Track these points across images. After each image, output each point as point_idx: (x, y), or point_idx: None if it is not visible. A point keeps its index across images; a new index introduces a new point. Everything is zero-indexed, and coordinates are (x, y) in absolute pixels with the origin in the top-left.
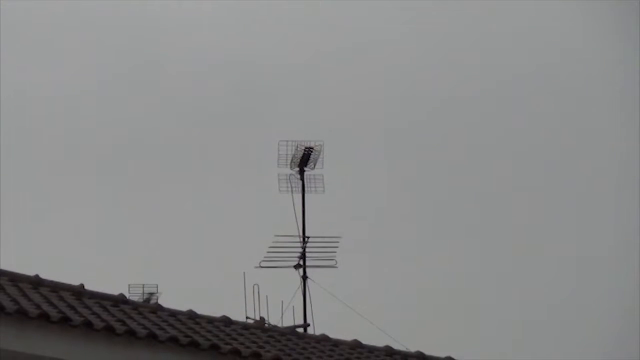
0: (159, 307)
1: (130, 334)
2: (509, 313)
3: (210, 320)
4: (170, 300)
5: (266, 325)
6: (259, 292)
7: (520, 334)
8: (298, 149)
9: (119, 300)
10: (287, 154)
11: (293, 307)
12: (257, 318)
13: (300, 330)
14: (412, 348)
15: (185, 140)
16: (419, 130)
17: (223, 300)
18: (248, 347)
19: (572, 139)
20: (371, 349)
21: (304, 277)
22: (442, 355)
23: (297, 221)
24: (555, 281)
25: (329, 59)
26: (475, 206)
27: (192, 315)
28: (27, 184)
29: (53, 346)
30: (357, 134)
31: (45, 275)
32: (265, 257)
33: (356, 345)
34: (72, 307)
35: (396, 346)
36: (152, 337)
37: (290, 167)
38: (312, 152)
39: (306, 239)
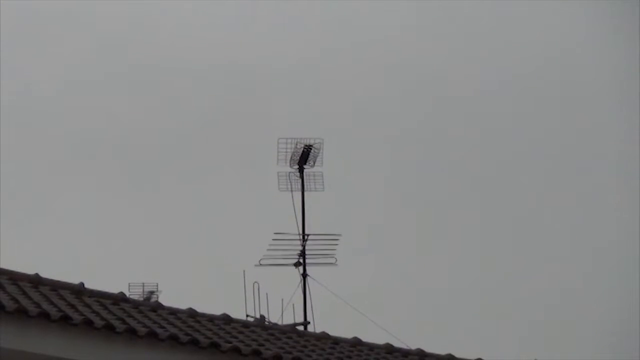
0: (159, 306)
1: (131, 332)
2: (509, 312)
3: (211, 318)
4: (170, 298)
5: (266, 323)
6: (259, 290)
7: (521, 333)
8: (297, 146)
9: (119, 299)
10: (286, 152)
11: (293, 305)
12: (257, 316)
13: (301, 328)
14: (413, 346)
15: (185, 138)
16: (419, 127)
17: (223, 298)
18: (248, 345)
19: (572, 139)
20: (371, 347)
21: (304, 275)
22: (443, 353)
23: (296, 219)
24: (556, 281)
25: (328, 56)
26: (475, 204)
27: (192, 313)
28: (26, 182)
29: (53, 345)
30: (357, 132)
31: (45, 273)
32: (265, 255)
33: (356, 342)
34: (72, 306)
35: (396, 344)
36: (152, 336)
37: (290, 164)
38: (311, 149)
39: (306, 236)
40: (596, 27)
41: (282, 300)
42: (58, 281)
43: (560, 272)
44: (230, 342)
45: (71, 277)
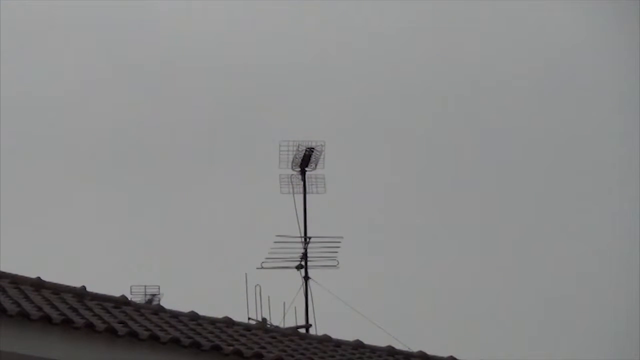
0: (161, 309)
1: (132, 335)
2: (510, 313)
3: (212, 321)
4: (172, 301)
5: (268, 326)
6: (260, 293)
7: (521, 334)
8: (299, 149)
9: (121, 302)
10: (288, 155)
11: (295, 307)
12: (259, 319)
13: (302, 330)
14: (415, 348)
15: (186, 141)
16: (421, 129)
17: (225, 301)
18: (250, 348)
19: (573, 139)
20: (373, 349)
21: (306, 278)
22: (445, 355)
23: (298, 222)
24: (556, 281)
25: (329, 58)
26: (476, 205)
27: (194, 316)
28: (27, 185)
29: (55, 348)
30: (358, 134)
31: (47, 277)
32: (267, 257)
33: (358, 345)
34: (73, 309)
35: (398, 346)
36: (154, 339)
37: (292, 167)
38: (313, 152)
39: (308, 239)
40: (596, 27)
41: (284, 303)
42: (60, 284)
43: (560, 272)
44: (232, 345)
45: (73, 281)
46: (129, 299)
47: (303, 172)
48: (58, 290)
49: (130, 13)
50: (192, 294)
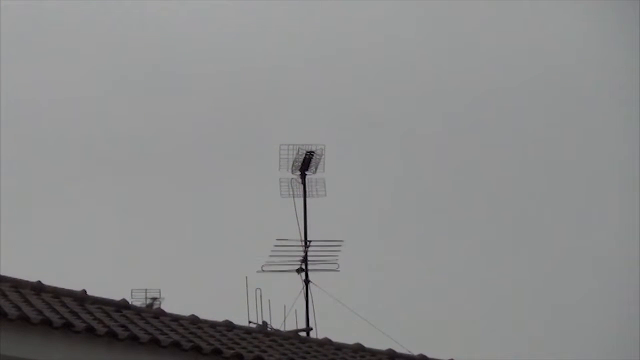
0: (162, 312)
1: (133, 339)
2: (511, 315)
3: (213, 324)
4: (172, 305)
5: (269, 329)
6: (261, 297)
7: (522, 336)
8: (299, 152)
9: (122, 306)
10: (288, 158)
11: (295, 311)
12: (260, 322)
13: (303, 334)
14: (415, 351)
15: (186, 144)
16: (422, 132)
17: (225, 304)
18: (251, 352)
19: (573, 140)
20: (374, 353)
21: (306, 281)
22: (445, 358)
23: (298, 225)
24: (557, 281)
25: (330, 60)
26: (477, 207)
27: (194, 320)
28: (28, 189)
29: (55, 352)
30: (359, 137)
31: (48, 281)
32: (267, 261)
33: (359, 348)
34: (74, 313)
35: (399, 349)
36: (154, 343)
37: (292, 171)
38: (313, 155)
39: (308, 243)
40: (597, 27)
41: (285, 306)
42: (60, 288)
43: (561, 272)
44: (233, 349)
45: (73, 284)
46: (130, 303)
47: (303, 176)
48: (58, 294)
49: (132, 14)
50: (192, 298)
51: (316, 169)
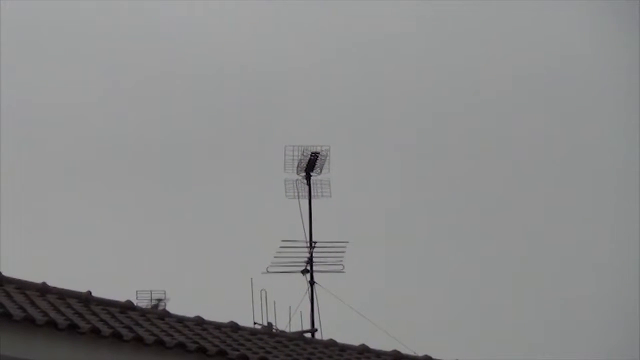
0: (167, 314)
1: (138, 340)
2: (514, 316)
3: (218, 326)
4: (177, 306)
5: (274, 330)
6: (266, 298)
7: (523, 334)
8: (304, 153)
9: (127, 307)
10: (293, 159)
11: (301, 312)
12: (265, 323)
13: (308, 335)
14: (420, 352)
15: (191, 146)
16: (427, 133)
17: (231, 306)
18: (256, 353)
19: (573, 141)
20: (379, 354)
21: (312, 282)
22: (450, 359)
23: (304, 226)
24: (557, 282)
25: (334, 61)
26: (480, 210)
27: (199, 321)
28: (33, 190)
29: (60, 353)
30: (364, 138)
31: (52, 282)
32: (272, 262)
33: (364, 349)
34: (79, 314)
35: (404, 351)
36: (159, 344)
37: (297, 172)
38: (318, 156)
39: (313, 244)
40: (598, 27)
41: (290, 307)
42: (65, 290)
43: (561, 272)
44: (238, 350)
45: (78, 286)
46: (135, 304)
47: (308, 177)
48: (63, 295)
49: (135, 15)
50: (197, 299)
51: (321, 170)
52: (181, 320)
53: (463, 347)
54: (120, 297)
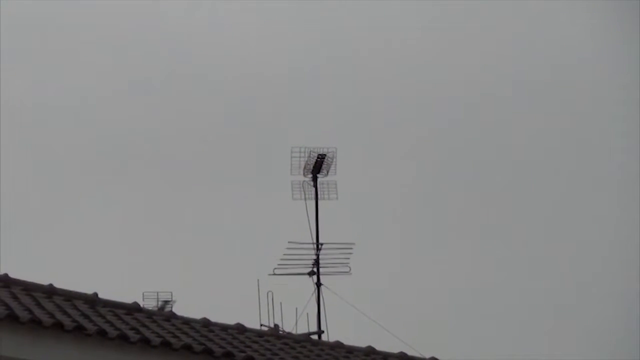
0: (173, 315)
1: (145, 342)
2: (518, 317)
3: (224, 327)
4: (184, 308)
5: (280, 332)
6: (273, 299)
7: (523, 335)
8: (311, 155)
9: (133, 309)
10: (300, 161)
11: (307, 314)
12: (271, 325)
13: (315, 337)
14: (427, 354)
15: (198, 148)
16: (433, 135)
17: (237, 307)
18: (262, 355)
19: (574, 141)
20: (385, 356)
21: (318, 284)
22: None
23: (310, 228)
24: (557, 282)
25: (341, 63)
26: (486, 209)
27: (206, 323)
28: (40, 192)
29: (67, 355)
30: (371, 140)
31: (59, 284)
32: (279, 264)
33: (370, 351)
34: (86, 316)
35: (411, 353)
36: (166, 345)
37: (303, 174)
38: (325, 158)
39: (320, 245)
40: (597, 27)
41: (296, 309)
42: (72, 291)
43: (561, 272)
44: (244, 352)
45: (85, 287)
46: (141, 306)
47: (315, 179)
48: (70, 297)
49: (138, 17)
50: (204, 300)
51: (328, 171)
52: (188, 322)
53: (469, 349)
54: (127, 299)
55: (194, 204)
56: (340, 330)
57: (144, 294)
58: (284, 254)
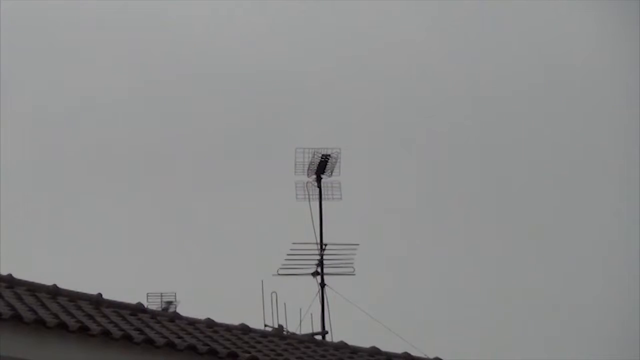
0: (177, 316)
1: (149, 342)
2: (523, 316)
3: (229, 328)
4: (188, 308)
5: (284, 332)
6: (277, 300)
7: (523, 335)
8: (315, 156)
9: (137, 309)
10: (304, 161)
11: (311, 314)
12: (276, 326)
13: (319, 337)
14: (431, 355)
15: (202, 148)
16: (436, 136)
17: (241, 308)
18: (266, 355)
19: (574, 141)
20: (389, 356)
21: (322, 285)
22: None
23: (314, 228)
24: (558, 282)
25: (346, 64)
26: (486, 209)
27: (210, 323)
28: (44, 193)
29: (71, 355)
30: (375, 140)
31: (63, 284)
32: (283, 264)
33: (374, 352)
34: (90, 317)
35: (415, 353)
36: (170, 346)
37: (308, 174)
38: (329, 159)
39: (324, 246)
40: (598, 26)
41: (300, 309)
42: (76, 292)
43: (562, 273)
44: (249, 352)
45: (89, 288)
46: (145, 306)
47: (319, 179)
48: (74, 297)
49: (149, 15)
50: (208, 301)
51: (332, 172)
52: (192, 322)
53: (474, 349)
54: (131, 300)
55: (197, 205)
56: (344, 330)
57: (148, 294)
58: (288, 255)
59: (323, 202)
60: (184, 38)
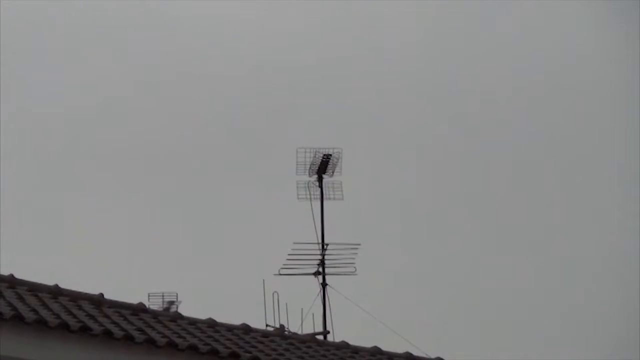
0: (179, 316)
1: (150, 342)
2: (523, 316)
3: (230, 328)
4: (189, 308)
5: (286, 332)
6: (278, 300)
7: (524, 335)
8: (316, 156)
9: (139, 309)
10: (305, 161)
11: (313, 314)
12: (277, 326)
13: (320, 337)
14: (433, 355)
15: (203, 148)
16: (438, 136)
17: (242, 308)
18: (268, 355)
19: (574, 141)
20: (391, 356)
21: (324, 285)
22: None
23: (316, 228)
24: (557, 282)
25: (347, 63)
26: (485, 210)
27: (211, 323)
28: (45, 193)
29: (72, 355)
30: (376, 140)
31: (65, 284)
32: (284, 264)
33: (376, 352)
34: (91, 317)
35: (416, 353)
36: (172, 346)
37: (309, 174)
38: (330, 159)
39: (325, 246)
40: (598, 27)
41: (302, 309)
42: (77, 292)
43: (562, 272)
44: (250, 352)
45: (90, 288)
46: (147, 306)
47: (320, 179)
48: (76, 297)
49: (143, 18)
50: (209, 301)
51: (333, 172)
52: (193, 322)
53: (475, 349)
54: (133, 300)
55: (199, 205)
56: (345, 330)
57: (150, 294)
58: (290, 254)
59: (324, 202)
60: (184, 38)
